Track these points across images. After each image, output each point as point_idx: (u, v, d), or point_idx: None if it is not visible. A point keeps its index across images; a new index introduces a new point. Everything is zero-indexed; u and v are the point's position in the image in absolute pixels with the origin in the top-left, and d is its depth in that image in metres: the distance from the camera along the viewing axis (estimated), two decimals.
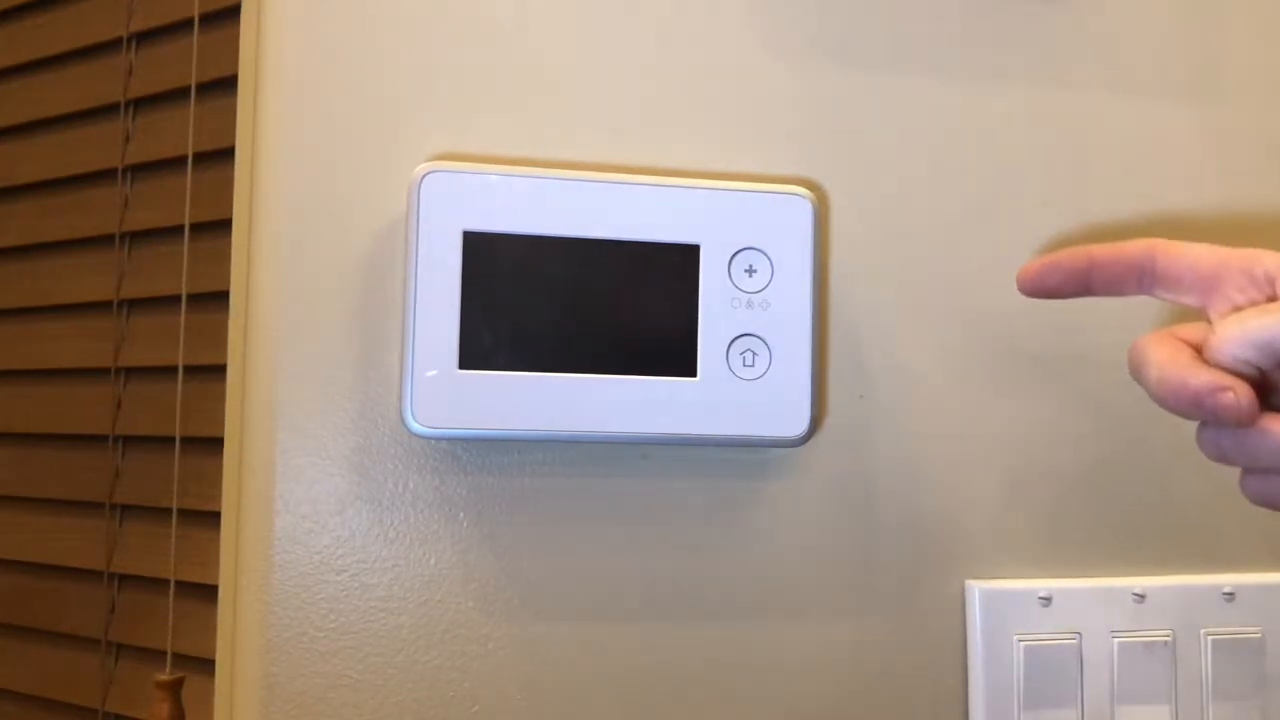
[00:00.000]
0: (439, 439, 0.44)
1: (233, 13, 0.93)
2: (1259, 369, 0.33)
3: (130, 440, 1.02)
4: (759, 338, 0.43)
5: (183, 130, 0.95)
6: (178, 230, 0.96)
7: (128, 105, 1.03)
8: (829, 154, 0.48)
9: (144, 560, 0.98)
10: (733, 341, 0.43)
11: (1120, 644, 0.48)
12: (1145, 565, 0.50)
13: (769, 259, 0.43)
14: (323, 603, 0.43)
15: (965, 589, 0.48)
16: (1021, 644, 0.47)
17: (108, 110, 1.04)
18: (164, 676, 0.85)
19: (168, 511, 0.94)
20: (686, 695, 0.45)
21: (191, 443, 0.94)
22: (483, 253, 0.41)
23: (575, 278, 0.42)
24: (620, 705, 0.45)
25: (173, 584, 0.92)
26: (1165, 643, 0.48)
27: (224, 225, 0.91)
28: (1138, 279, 0.38)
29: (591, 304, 0.42)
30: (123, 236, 1.03)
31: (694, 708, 0.45)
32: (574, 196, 0.42)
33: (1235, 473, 0.51)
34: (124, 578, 1.00)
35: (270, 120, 0.44)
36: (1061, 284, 0.40)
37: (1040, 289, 0.40)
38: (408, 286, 0.41)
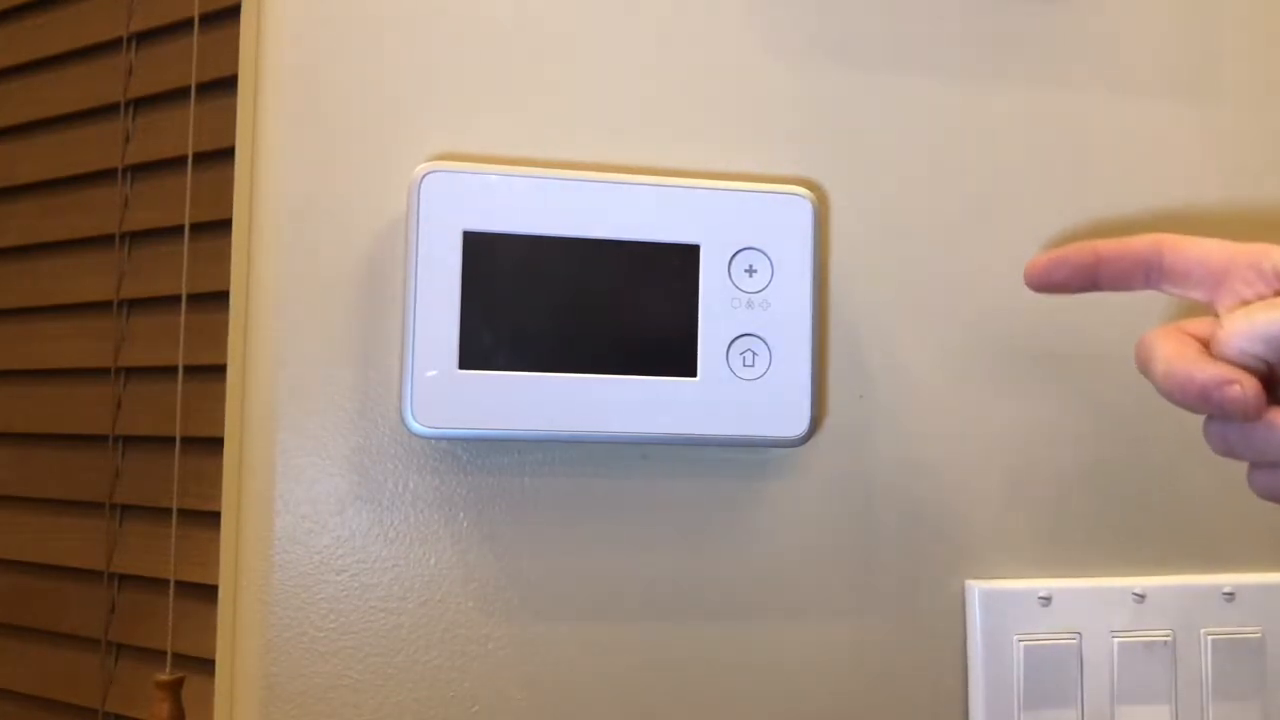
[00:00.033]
0: (439, 439, 0.44)
1: (233, 13, 0.93)
2: (1266, 363, 0.33)
3: (130, 440, 1.02)
4: (759, 338, 0.43)
5: (183, 130, 0.95)
6: (178, 230, 0.96)
7: (128, 105, 1.03)
8: (829, 154, 0.48)
9: (144, 560, 0.98)
10: (733, 341, 0.43)
11: (1120, 644, 0.48)
12: (1145, 565, 0.50)
13: (769, 259, 0.43)
14: (323, 603, 0.43)
15: (965, 589, 0.48)
16: (1021, 644, 0.47)
17: (108, 110, 1.04)
18: (164, 676, 0.85)
19: (168, 511, 0.94)
20: (686, 695, 0.45)
21: (191, 443, 0.94)
22: (483, 253, 0.41)
23: (575, 278, 0.42)
24: (620, 705, 0.45)
25: (173, 584, 0.92)
26: (1165, 643, 0.48)
27: (224, 225, 0.91)
28: (1145, 274, 0.38)
29: (591, 304, 0.42)
30: (123, 236, 1.03)
31: (694, 708, 0.45)
32: (574, 196, 0.42)
33: (1235, 473, 0.51)
34: (124, 578, 1.00)
35: (270, 120, 0.44)
36: (1068, 279, 0.40)
37: (1047, 284, 0.40)
38: (408, 286, 0.41)
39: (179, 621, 0.92)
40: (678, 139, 0.47)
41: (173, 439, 0.94)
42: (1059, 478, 0.49)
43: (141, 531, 1.00)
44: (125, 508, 1.01)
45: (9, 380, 1.10)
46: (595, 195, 0.42)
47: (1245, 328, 0.33)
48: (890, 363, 0.48)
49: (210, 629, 0.80)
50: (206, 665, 0.89)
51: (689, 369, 0.42)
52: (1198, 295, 0.37)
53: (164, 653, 0.91)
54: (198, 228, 0.96)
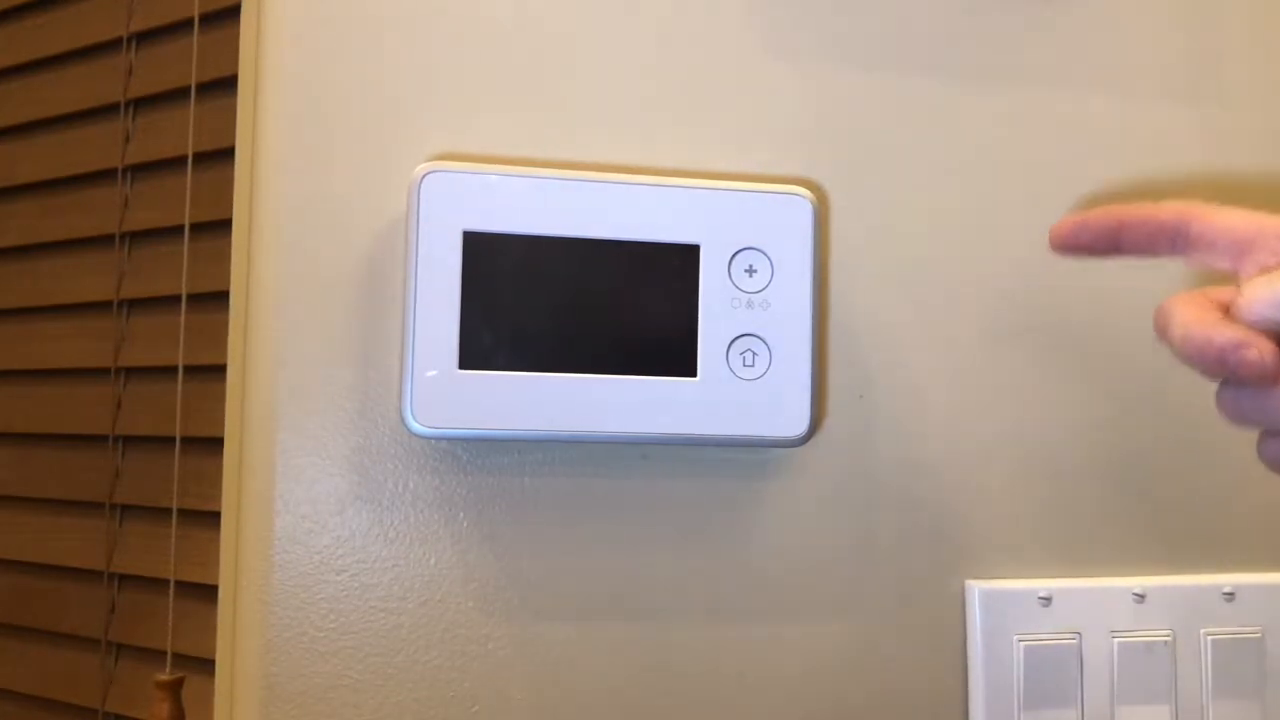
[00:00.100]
0: (439, 439, 0.44)
1: (233, 13, 0.93)
2: None
3: (130, 440, 1.02)
4: (759, 338, 0.43)
5: (183, 130, 0.95)
6: (178, 230, 0.96)
7: (128, 105, 1.03)
8: (829, 154, 0.48)
9: (144, 560, 0.98)
10: (733, 341, 0.43)
11: (1120, 644, 0.48)
12: (1145, 565, 0.50)
13: (769, 259, 0.43)
14: (323, 603, 0.43)
15: (965, 589, 0.48)
16: (1021, 644, 0.47)
17: (108, 110, 1.04)
18: (164, 676, 0.85)
19: (168, 511, 0.94)
20: (686, 695, 0.45)
21: (191, 443, 0.94)
22: (483, 253, 0.41)
23: (575, 278, 0.42)
24: (620, 705, 0.45)
25: (173, 584, 0.92)
26: (1165, 643, 0.48)
27: (224, 225, 0.91)
28: (1170, 240, 0.38)
29: (591, 304, 0.42)
30: (123, 236, 1.03)
31: (694, 707, 0.45)
32: (574, 196, 0.42)
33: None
34: (124, 578, 1.00)
35: (270, 120, 0.44)
36: (1093, 242, 0.39)
37: (1072, 246, 0.40)
38: (408, 286, 0.41)
39: (179, 621, 0.92)
40: (678, 139, 0.47)
41: (173, 439, 0.94)
42: (1059, 478, 0.49)
43: (141, 531, 1.00)
44: (125, 508, 1.01)
45: (9, 380, 1.10)
46: (595, 195, 0.42)
47: (1266, 294, 0.33)
48: (890, 363, 0.48)
49: (210, 629, 0.80)
50: (206, 665, 0.89)
51: (689, 369, 0.42)
52: (1223, 264, 0.37)
53: (164, 653, 0.91)
54: (198, 228, 0.95)
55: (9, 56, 1.10)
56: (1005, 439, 0.49)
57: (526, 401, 0.41)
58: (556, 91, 0.46)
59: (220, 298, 0.89)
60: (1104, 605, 0.48)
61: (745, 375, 0.43)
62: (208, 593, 0.92)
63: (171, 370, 0.95)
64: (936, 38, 0.49)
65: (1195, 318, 0.34)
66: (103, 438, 1.02)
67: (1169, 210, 0.38)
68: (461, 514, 0.44)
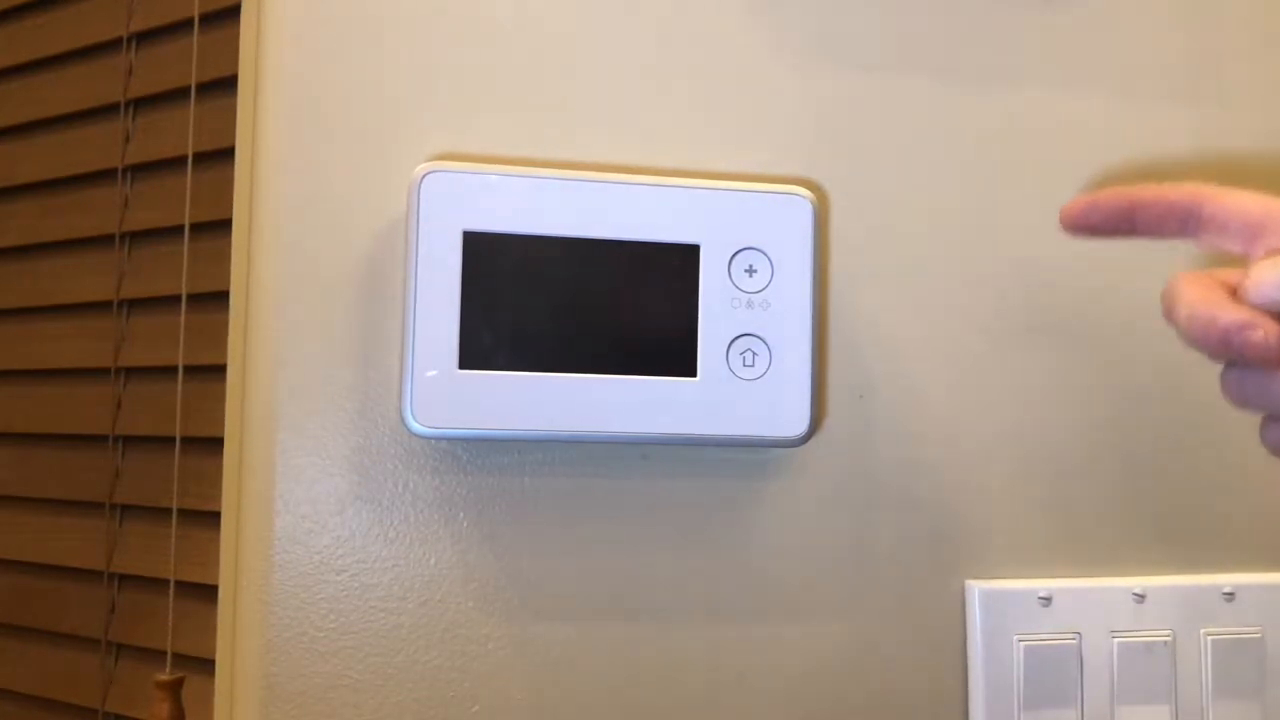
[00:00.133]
0: (439, 439, 0.44)
1: (233, 13, 0.93)
2: None
3: (130, 440, 1.01)
4: (759, 338, 0.43)
5: (183, 130, 0.95)
6: (178, 230, 0.96)
7: (128, 105, 1.03)
8: (829, 154, 0.48)
9: (144, 560, 0.98)
10: (733, 341, 0.43)
11: (1120, 644, 0.48)
12: (1145, 565, 0.50)
13: (769, 259, 0.43)
14: (323, 603, 0.43)
15: (965, 589, 0.48)
16: (1021, 644, 0.47)
17: (108, 110, 1.04)
18: (164, 676, 0.85)
19: (168, 511, 0.94)
20: (686, 695, 0.45)
21: (191, 443, 0.94)
22: (483, 253, 0.41)
23: (575, 278, 0.42)
24: (620, 705, 0.45)
25: (173, 584, 0.92)
26: (1165, 643, 0.48)
27: (224, 225, 0.91)
28: (1181, 222, 0.37)
29: (591, 304, 0.42)
30: (123, 236, 1.03)
31: (693, 708, 0.45)
32: (574, 196, 0.42)
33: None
34: (124, 578, 1.00)
35: (270, 120, 0.44)
36: (1104, 222, 0.39)
37: (1082, 225, 0.40)
38: (408, 286, 0.41)
39: (179, 621, 0.92)
40: (678, 139, 0.47)
41: (173, 439, 0.94)
42: (1059, 478, 0.49)
43: (141, 531, 1.00)
44: (125, 508, 1.01)
45: (9, 380, 1.10)
46: (595, 195, 0.42)
47: (1273, 275, 0.33)
48: (890, 363, 0.48)
49: (210, 629, 0.80)
50: (206, 665, 0.89)
51: (689, 369, 0.42)
52: (1233, 247, 0.36)
53: (164, 653, 0.91)
54: (198, 228, 0.95)
55: (9, 56, 1.10)
56: (1005, 439, 0.49)
57: (526, 401, 0.41)
58: (556, 91, 0.46)
59: (220, 298, 0.89)
60: (1104, 605, 0.48)
61: (745, 375, 0.43)
62: (208, 593, 0.92)
63: (171, 370, 0.95)
64: (936, 38, 0.49)
65: (1201, 298, 0.33)
66: (103, 438, 1.02)
67: (1181, 191, 0.37)
68: (461, 514, 0.44)
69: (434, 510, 0.44)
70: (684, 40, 0.47)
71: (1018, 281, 0.49)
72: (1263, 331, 0.32)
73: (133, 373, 1.02)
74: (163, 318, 0.99)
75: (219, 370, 0.92)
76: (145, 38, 1.02)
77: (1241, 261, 0.36)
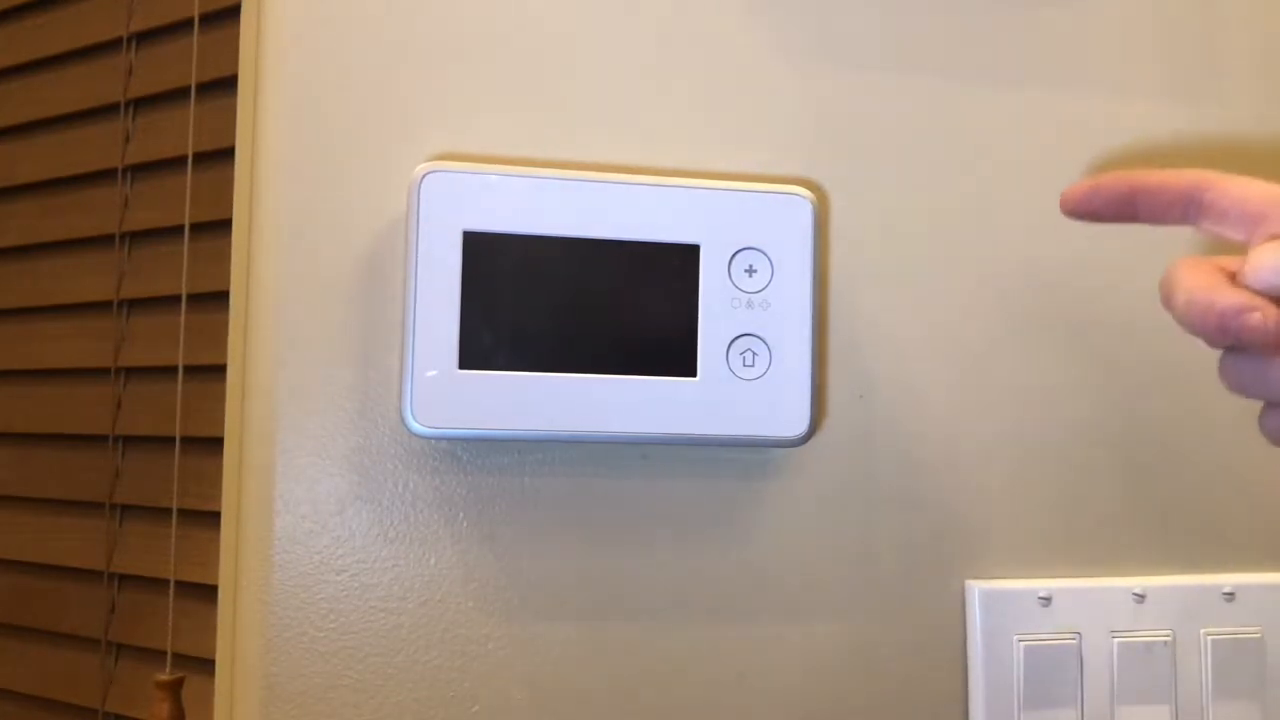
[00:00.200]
0: (439, 439, 0.44)
1: (233, 13, 0.93)
2: None
3: (130, 440, 1.02)
4: (759, 338, 0.43)
5: (183, 130, 0.95)
6: (178, 230, 0.96)
7: (128, 105, 1.03)
8: (829, 154, 0.48)
9: (144, 560, 0.98)
10: (733, 341, 0.43)
11: (1120, 644, 0.48)
12: (1145, 565, 0.50)
13: (769, 259, 0.43)
14: (323, 603, 0.43)
15: (965, 589, 0.48)
16: (1021, 644, 0.47)
17: (108, 110, 1.04)
18: (164, 676, 0.85)
19: (168, 511, 0.94)
20: (686, 695, 0.45)
21: (191, 443, 0.94)
22: (483, 253, 0.41)
23: (575, 278, 0.42)
24: (620, 705, 0.45)
25: (173, 584, 0.92)
26: (1165, 643, 0.48)
27: (224, 225, 0.91)
28: (1184, 208, 0.37)
29: (591, 304, 0.42)
30: (123, 236, 1.03)
31: (693, 707, 0.45)
32: (574, 196, 0.42)
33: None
34: (124, 578, 1.00)
35: (270, 120, 0.44)
36: (1105, 207, 0.39)
37: (1083, 210, 0.39)
38: (408, 286, 0.41)
39: (179, 621, 0.92)
40: (678, 139, 0.47)
41: (173, 439, 0.94)
42: (1059, 478, 0.49)
43: (141, 531, 1.00)
44: (125, 508, 1.01)
45: (9, 380, 1.10)
46: (595, 195, 0.42)
47: (1272, 259, 0.32)
48: (890, 362, 0.48)
49: (210, 629, 0.80)
50: (206, 665, 0.89)
51: (689, 369, 0.42)
52: (1235, 234, 0.36)
53: (164, 653, 0.91)
54: (198, 228, 0.95)
55: (9, 56, 1.10)
56: (1005, 439, 0.49)
57: (526, 401, 0.41)
58: (556, 91, 0.46)
59: (220, 298, 0.89)
60: (1104, 605, 0.48)
61: (745, 375, 0.43)
62: (208, 593, 0.92)
63: (171, 370, 0.95)
64: (936, 38, 0.49)
65: (1200, 283, 0.33)
66: (103, 438, 1.02)
67: (1183, 177, 0.37)
68: (461, 514, 0.44)
69: (434, 510, 0.44)
70: (684, 40, 0.47)
71: (1018, 281, 0.49)
72: (1261, 315, 0.31)
73: (133, 373, 1.02)
74: (163, 318, 0.99)
75: (219, 370, 0.92)
76: (145, 38, 1.03)
77: (1242, 249, 0.36)
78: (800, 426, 0.43)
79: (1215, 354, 0.34)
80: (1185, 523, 0.50)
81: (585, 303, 0.42)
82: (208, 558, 0.92)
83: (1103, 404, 0.50)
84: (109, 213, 1.03)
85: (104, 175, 1.04)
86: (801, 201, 0.44)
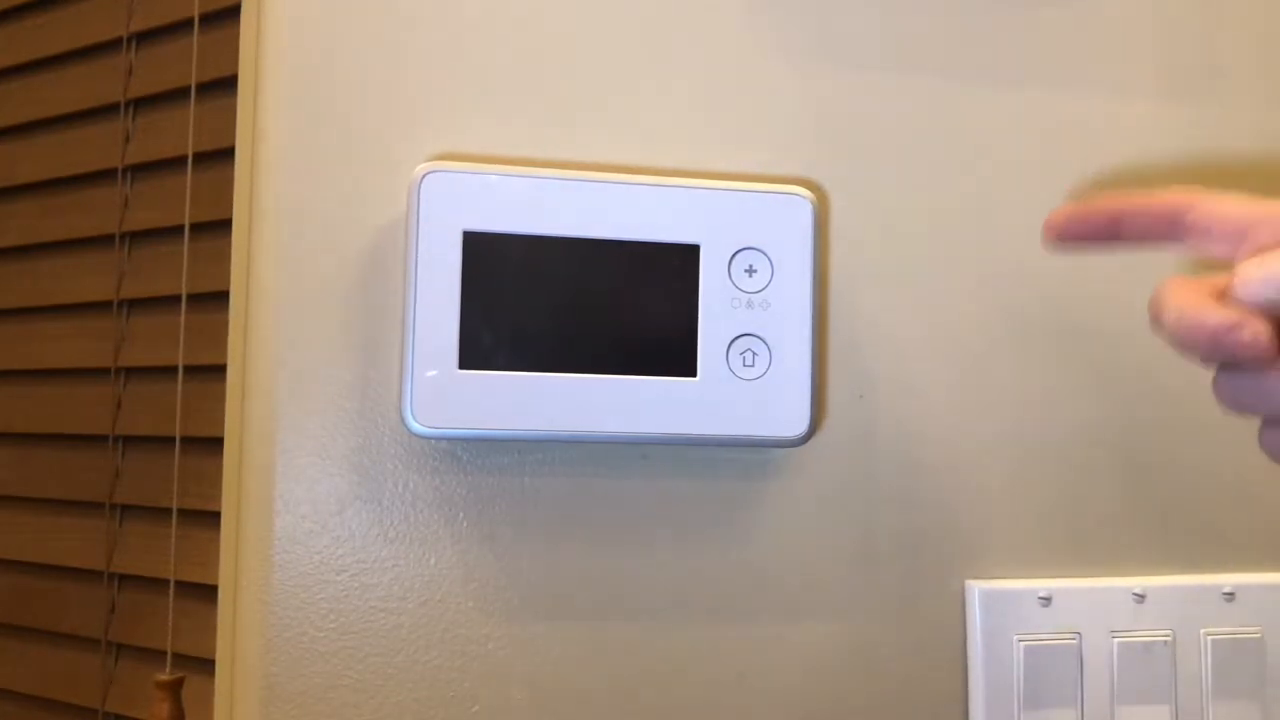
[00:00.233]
0: (439, 439, 0.44)
1: (233, 13, 0.93)
2: None
3: (130, 440, 1.02)
4: (759, 338, 0.43)
5: (183, 130, 0.95)
6: (178, 230, 0.96)
7: (128, 105, 1.03)
8: (829, 154, 0.48)
9: (144, 560, 0.98)
10: (733, 341, 0.43)
11: (1120, 644, 0.48)
12: (1145, 565, 0.50)
13: (769, 259, 0.43)
14: (323, 603, 0.43)
15: (965, 589, 0.48)
16: (1021, 644, 0.47)
17: (108, 110, 1.04)
18: (164, 676, 0.85)
19: (168, 511, 0.94)
20: (686, 695, 0.45)
21: (191, 443, 0.94)
22: (483, 253, 0.41)
23: (575, 278, 0.42)
24: (620, 705, 0.45)
25: (173, 584, 0.92)
26: (1165, 643, 0.48)
27: (224, 225, 0.91)
28: (1168, 229, 0.37)
29: (591, 304, 0.42)
30: (123, 236, 1.03)
31: (693, 707, 0.45)
32: (574, 196, 0.42)
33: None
34: (124, 578, 1.00)
35: (270, 120, 0.44)
36: (1088, 233, 0.38)
37: (1069, 238, 0.39)
38: (408, 286, 0.41)
39: (179, 621, 0.92)
40: (678, 139, 0.47)
41: (173, 439, 0.94)
42: (1059, 478, 0.49)
43: (141, 531, 1.00)
44: (125, 508, 1.01)
45: (9, 380, 1.10)
46: (595, 195, 0.42)
47: (1259, 272, 0.32)
48: (890, 363, 0.48)
49: (210, 629, 0.80)
50: (206, 665, 0.89)
51: (689, 369, 0.42)
52: (1220, 251, 0.36)
53: (164, 653, 0.91)
54: (198, 228, 0.96)
55: (9, 56, 1.10)
56: (1005, 439, 0.49)
57: (526, 401, 0.41)
58: (556, 91, 0.46)
59: (220, 298, 0.89)
60: (1104, 605, 0.48)
61: (745, 375, 0.43)
62: (208, 593, 0.92)
63: (171, 370, 0.95)
64: (936, 38, 0.49)
65: (1189, 301, 0.33)
66: (103, 438, 1.02)
67: (1165, 198, 0.37)
68: (461, 514, 0.44)
69: (434, 510, 0.44)
70: (684, 40, 0.47)
71: (1018, 281, 0.49)
72: (1251, 330, 0.31)
73: (133, 373, 1.02)
74: (163, 318, 1.00)
75: (219, 370, 0.92)
76: (145, 38, 1.03)
77: (1229, 266, 0.36)
78: (800, 426, 0.43)
79: None
80: (1185, 523, 0.50)
81: (585, 303, 0.42)
82: (208, 558, 0.92)
83: (1103, 404, 0.50)
84: (109, 213, 1.03)
85: (104, 175, 1.04)
86: (801, 201, 0.44)
